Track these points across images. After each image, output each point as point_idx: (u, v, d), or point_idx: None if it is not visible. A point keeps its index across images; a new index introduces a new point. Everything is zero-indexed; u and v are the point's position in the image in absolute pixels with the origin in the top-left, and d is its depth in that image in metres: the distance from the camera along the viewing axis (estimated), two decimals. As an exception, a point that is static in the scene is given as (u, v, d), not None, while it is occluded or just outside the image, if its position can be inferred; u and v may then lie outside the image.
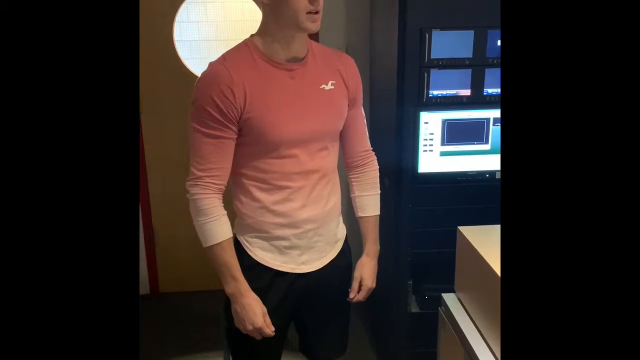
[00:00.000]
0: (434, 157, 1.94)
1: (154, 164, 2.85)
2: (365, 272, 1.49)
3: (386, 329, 2.36)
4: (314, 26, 1.26)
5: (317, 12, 1.25)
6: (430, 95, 1.89)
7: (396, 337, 2.19)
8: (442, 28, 1.85)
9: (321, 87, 1.36)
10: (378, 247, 1.55)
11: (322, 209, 1.42)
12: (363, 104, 2.84)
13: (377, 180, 1.55)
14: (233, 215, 1.40)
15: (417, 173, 1.96)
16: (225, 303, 1.40)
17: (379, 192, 1.55)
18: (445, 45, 1.86)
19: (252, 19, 2.78)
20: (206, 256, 1.33)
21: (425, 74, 1.87)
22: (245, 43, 1.33)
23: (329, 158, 1.42)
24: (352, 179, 1.54)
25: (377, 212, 1.55)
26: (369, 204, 1.54)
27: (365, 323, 2.72)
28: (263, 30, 1.31)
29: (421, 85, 1.89)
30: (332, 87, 1.38)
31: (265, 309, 1.35)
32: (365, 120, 1.54)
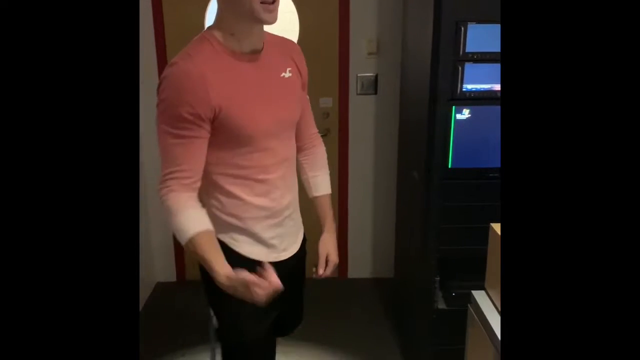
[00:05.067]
0: (465, 152, 1.92)
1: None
2: (330, 248, 1.51)
3: (412, 325, 2.35)
4: (270, 17, 1.22)
5: (272, 3, 1.21)
6: (464, 90, 1.86)
7: (422, 334, 2.18)
8: (478, 21, 1.81)
9: (282, 75, 1.36)
10: (335, 224, 1.60)
11: (294, 194, 1.45)
12: (393, 96, 2.83)
13: (326, 160, 1.59)
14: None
15: (448, 168, 1.93)
16: (215, 305, 1.41)
17: (329, 171, 1.60)
18: (480, 38, 1.83)
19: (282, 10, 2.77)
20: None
21: (460, 68, 1.84)
22: (205, 37, 1.27)
23: (293, 144, 1.44)
24: (303, 161, 1.56)
25: (330, 190, 1.58)
26: (322, 183, 1.56)
27: (390, 319, 2.71)
28: (220, 23, 1.27)
29: (455, 79, 1.86)
30: (290, 74, 1.38)
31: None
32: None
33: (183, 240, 1.22)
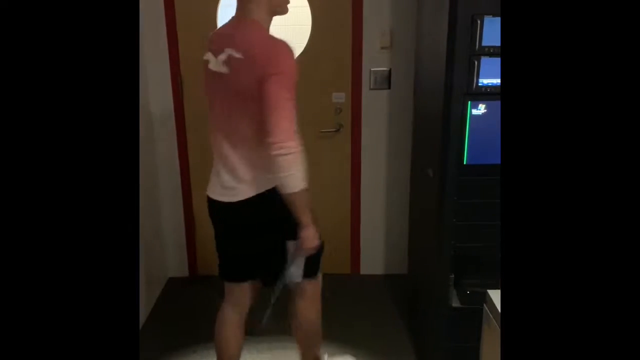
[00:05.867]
0: (481, 149, 1.88)
1: (196, 148, 2.87)
2: None
3: (425, 323, 2.33)
4: (287, 9, 1.66)
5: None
6: (479, 84, 1.82)
7: (436, 332, 2.15)
8: (495, 14, 1.77)
9: None
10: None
11: None
12: (406, 91, 2.78)
13: None
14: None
15: (463, 164, 1.90)
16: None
17: None
18: (496, 32, 1.79)
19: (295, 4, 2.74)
20: (288, 200, 1.59)
21: (476, 62, 1.80)
22: (259, 22, 1.61)
23: None
24: None
25: None
26: None
27: (403, 316, 2.69)
28: (260, 14, 1.61)
29: (471, 73, 1.82)
30: None
31: None
32: None
33: (300, 187, 1.56)
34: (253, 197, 1.67)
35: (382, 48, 2.72)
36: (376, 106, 2.81)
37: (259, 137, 1.57)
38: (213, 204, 1.78)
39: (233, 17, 1.69)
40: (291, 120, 1.52)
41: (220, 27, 1.77)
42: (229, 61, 1.60)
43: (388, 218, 3.01)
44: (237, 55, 1.56)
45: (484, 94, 1.83)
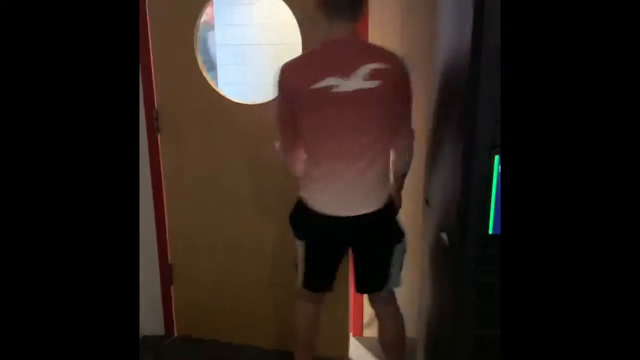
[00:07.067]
0: (512, 215, 1.48)
1: (173, 194, 2.50)
2: None
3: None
4: None
5: None
6: (510, 135, 1.43)
7: None
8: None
9: None
10: None
11: None
12: (419, 130, 2.40)
13: None
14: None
15: (489, 234, 1.49)
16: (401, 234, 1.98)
17: None
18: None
19: (292, 41, 2.39)
20: None
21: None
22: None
23: None
24: None
25: None
26: None
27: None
28: (352, 31, 1.78)
29: (499, 119, 1.43)
30: None
31: None
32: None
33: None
34: (381, 207, 1.86)
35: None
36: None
37: (393, 140, 1.84)
38: (329, 219, 1.84)
39: (328, 41, 1.74)
40: None
41: (316, 54, 1.78)
42: (375, 74, 1.69)
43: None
44: (386, 66, 1.71)
45: (516, 147, 1.44)
